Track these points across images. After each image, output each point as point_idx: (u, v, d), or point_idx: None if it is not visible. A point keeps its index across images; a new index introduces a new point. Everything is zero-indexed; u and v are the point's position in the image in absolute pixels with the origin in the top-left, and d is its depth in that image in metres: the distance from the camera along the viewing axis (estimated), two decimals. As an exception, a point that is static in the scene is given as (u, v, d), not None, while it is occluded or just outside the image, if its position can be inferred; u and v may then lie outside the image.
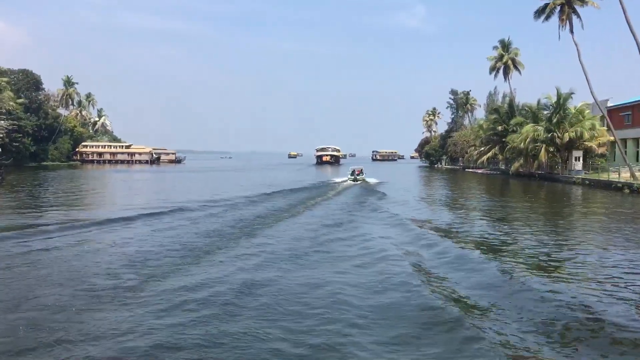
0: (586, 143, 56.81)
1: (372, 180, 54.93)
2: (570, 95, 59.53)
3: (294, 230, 21.91)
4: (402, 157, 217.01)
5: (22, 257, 15.46)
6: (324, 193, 40.45)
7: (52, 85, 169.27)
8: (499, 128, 78.32)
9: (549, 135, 59.01)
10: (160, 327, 9.59)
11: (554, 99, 60.62)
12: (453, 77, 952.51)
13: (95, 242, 18.63)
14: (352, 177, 54.91)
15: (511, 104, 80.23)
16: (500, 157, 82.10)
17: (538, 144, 60.45)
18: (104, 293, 11.74)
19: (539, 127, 60.74)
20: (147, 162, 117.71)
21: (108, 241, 18.59)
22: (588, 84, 52.15)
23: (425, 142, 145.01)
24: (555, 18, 55.31)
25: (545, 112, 64.37)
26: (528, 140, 60.76)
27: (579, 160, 57.30)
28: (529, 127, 61.96)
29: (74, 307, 10.69)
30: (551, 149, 60.48)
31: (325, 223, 23.84)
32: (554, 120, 59.40)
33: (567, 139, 57.25)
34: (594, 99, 53.99)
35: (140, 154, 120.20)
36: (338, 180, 54.66)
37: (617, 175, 47.43)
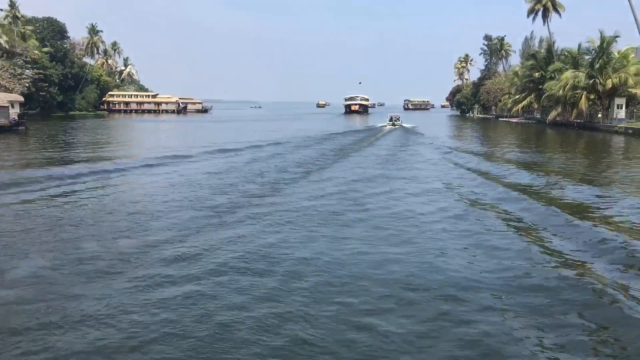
0: (630, 90, 53.62)
1: (408, 125, 65.68)
2: (614, 38, 55.85)
3: (371, 154, 31.44)
4: (432, 107, 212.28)
5: (45, 203, 15.84)
6: (374, 134, 51.25)
7: (76, 34, 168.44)
8: (536, 75, 74.85)
9: (590, 81, 55.83)
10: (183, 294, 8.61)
11: (597, 43, 56.97)
12: (487, 22, 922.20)
13: (126, 186, 19.55)
14: (391, 122, 65.24)
15: (549, 49, 76.38)
16: (536, 105, 78.89)
17: (578, 91, 57.35)
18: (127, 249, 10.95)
19: (579, 74, 57.38)
20: (173, 111, 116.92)
21: (137, 188, 19.24)
22: (637, 23, 48.55)
23: (456, 91, 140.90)
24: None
25: (586, 58, 60.71)
26: (567, 87, 57.64)
27: (622, 108, 54.24)
28: (568, 74, 58.66)
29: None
30: (592, 97, 57.41)
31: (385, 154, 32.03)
32: (596, 66, 56.04)
33: (610, 86, 54.07)
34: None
35: (166, 103, 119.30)
36: (379, 125, 65.14)
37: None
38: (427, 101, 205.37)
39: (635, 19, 43.00)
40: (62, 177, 20.93)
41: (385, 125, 63.69)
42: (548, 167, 26.40)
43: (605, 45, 55.79)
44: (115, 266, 9.84)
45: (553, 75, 67.31)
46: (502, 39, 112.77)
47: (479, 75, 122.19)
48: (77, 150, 33.02)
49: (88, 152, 31.89)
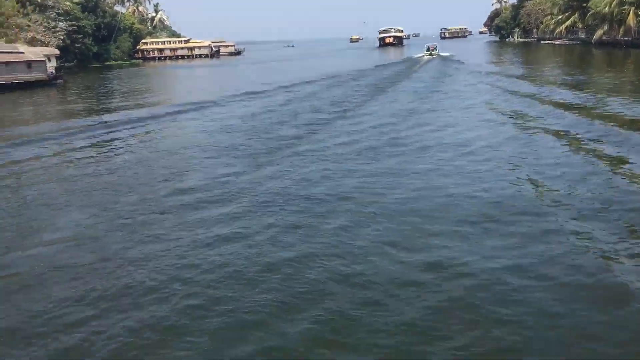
0: (684, 2, 50.36)
1: (445, 54, 64.73)
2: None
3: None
4: (470, 34, 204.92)
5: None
6: (417, 62, 54.71)
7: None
8: (580, -8, 70.90)
9: (640, -5, 52.62)
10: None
11: (647, -47, 53.26)
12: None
13: (165, 133, 19.81)
14: (428, 52, 65.99)
15: (595, -37, 71.81)
16: (580, 25, 75.13)
17: (626, 7, 54.17)
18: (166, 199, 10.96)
19: (627, -13, 54.09)
20: (207, 55, 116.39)
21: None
22: None
23: (495, 15, 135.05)
24: None
25: (636, -31, 56.93)
26: (614, 2, 54.45)
27: (674, 22, 51.13)
28: (615, -12, 55.36)
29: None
30: (640, 12, 54.20)
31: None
32: (646, -23, 52.62)
33: (661, -2, 50.88)
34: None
35: (199, 47, 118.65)
36: (418, 55, 65.26)
37: None
38: (465, 28, 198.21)
39: None
40: (102, 127, 21.64)
41: (423, 56, 63.79)
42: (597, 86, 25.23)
43: (656, -46, 52.14)
44: (154, 219, 9.60)
45: (598, -9, 63.64)
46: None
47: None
48: (115, 100, 33.57)
49: (126, 101, 32.42)
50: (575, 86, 25.49)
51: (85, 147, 17.40)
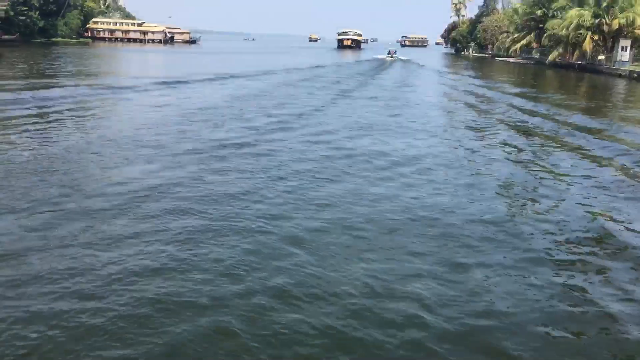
0: (637, 31, 51.59)
1: (404, 58, 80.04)
2: (624, -25, 53.31)
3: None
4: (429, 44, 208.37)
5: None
6: (383, 63, 67.02)
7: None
8: (538, 12, 72.07)
9: (596, 21, 53.63)
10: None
11: (605, -20, 54.41)
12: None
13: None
14: (389, 55, 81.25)
15: (553, -14, 73.21)
16: (535, 45, 76.51)
17: (582, 31, 55.20)
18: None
19: (585, 12, 55.06)
20: (160, 41, 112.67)
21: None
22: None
23: (452, 28, 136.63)
24: None
25: (593, -5, 58.16)
26: (572, 26, 55.36)
27: (626, 50, 52.34)
28: (573, 12, 56.27)
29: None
30: (596, 37, 55.28)
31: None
32: (603, 4, 53.68)
33: (616, 26, 52.04)
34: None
35: (153, 32, 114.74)
36: (381, 56, 79.45)
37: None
38: (425, 38, 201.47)
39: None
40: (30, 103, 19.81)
41: (385, 57, 78.64)
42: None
43: (614, -17, 53.34)
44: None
45: (556, 13, 64.85)
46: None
47: (476, 12, 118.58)
48: (52, 77, 31.23)
49: (64, 78, 30.21)
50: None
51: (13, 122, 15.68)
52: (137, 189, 9.85)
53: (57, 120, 17.13)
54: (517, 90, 34.98)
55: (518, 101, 28.29)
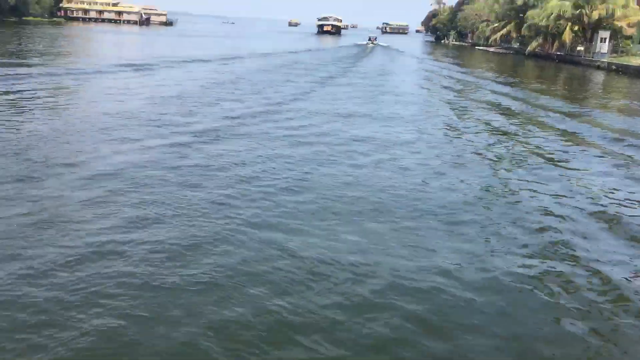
0: (616, 23, 51.63)
1: (384, 44, 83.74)
2: (606, -34, 53.22)
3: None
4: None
5: None
6: (365, 48, 71.20)
7: None
8: (519, 2, 71.84)
9: (577, 12, 53.55)
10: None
11: (587, -30, 54.29)
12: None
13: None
14: (370, 41, 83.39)
15: (535, -25, 73.05)
16: (514, 35, 76.47)
17: (562, 22, 55.12)
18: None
19: (565, 2, 54.91)
20: (135, 22, 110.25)
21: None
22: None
23: (432, 15, 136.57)
24: None
25: (574, -14, 58.07)
26: (552, 17, 55.21)
27: (605, 42, 52.36)
28: (554, 2, 56.17)
29: None
30: (575, 28, 55.24)
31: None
32: (584, -5, 53.64)
33: (596, 17, 52.00)
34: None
35: (128, 13, 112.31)
36: (362, 43, 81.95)
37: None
38: (406, 25, 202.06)
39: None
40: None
41: (367, 44, 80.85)
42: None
43: (595, -27, 53.26)
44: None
45: (536, 3, 64.65)
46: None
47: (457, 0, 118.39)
48: (17, 58, 29.91)
49: (27, 59, 28.97)
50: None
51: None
52: (103, 181, 9.14)
53: (19, 104, 16.18)
54: (496, 77, 35.12)
55: (498, 87, 28.49)
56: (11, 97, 17.30)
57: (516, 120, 19.10)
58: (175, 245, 6.83)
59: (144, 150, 11.55)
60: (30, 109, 15.47)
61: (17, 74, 22.14)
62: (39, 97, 17.55)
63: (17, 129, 12.77)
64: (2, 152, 10.54)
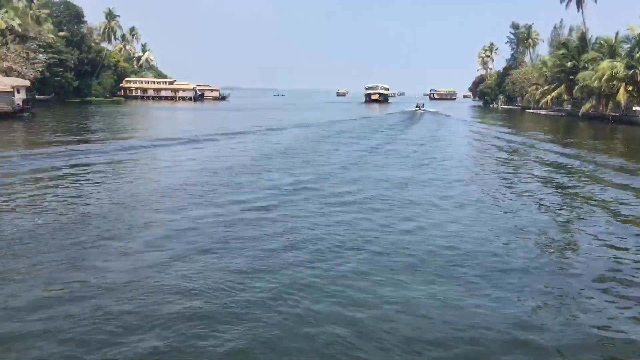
0: (672, 81, 50.12)
1: (432, 110, 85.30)
2: (657, 25, 52.37)
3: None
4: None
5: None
6: (414, 114, 71.92)
7: (94, 19, 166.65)
8: (568, 64, 71.17)
9: (630, 72, 52.36)
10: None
11: (637, 31, 53.48)
12: (515, 9, 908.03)
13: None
14: (417, 107, 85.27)
15: (583, 38, 72.58)
16: (565, 97, 75.31)
17: (615, 82, 53.87)
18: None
19: (617, 63, 53.86)
20: (190, 98, 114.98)
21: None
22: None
23: (479, 80, 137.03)
24: None
25: (625, 47, 57.16)
26: (604, 78, 54.08)
27: (663, 101, 50.83)
28: (605, 64, 55.03)
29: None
30: (630, 88, 53.83)
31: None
32: (637, 56, 52.56)
33: (652, 77, 50.66)
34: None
35: (184, 90, 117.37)
36: (410, 109, 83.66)
37: None
38: (454, 91, 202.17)
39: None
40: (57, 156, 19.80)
41: (415, 110, 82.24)
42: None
43: (646, 34, 52.37)
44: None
45: (586, 65, 63.70)
46: (530, 27, 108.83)
47: (503, 65, 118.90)
48: (80, 134, 31.37)
49: (92, 135, 30.31)
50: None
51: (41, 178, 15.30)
52: (154, 257, 9.10)
53: (79, 176, 16.78)
54: (550, 140, 34.11)
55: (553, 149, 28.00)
56: (74, 170, 17.98)
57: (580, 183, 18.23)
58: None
59: (194, 229, 11.48)
60: (89, 180, 16.04)
61: (76, 150, 23.08)
62: (97, 171, 18.16)
63: (79, 198, 13.16)
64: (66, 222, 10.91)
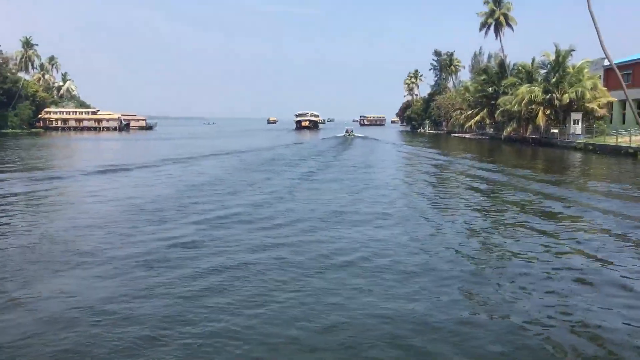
0: (587, 104, 52.80)
1: (360, 135, 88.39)
2: (570, 52, 55.23)
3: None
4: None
5: None
6: (345, 140, 73.80)
7: (9, 48, 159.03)
8: (489, 90, 74.02)
9: (547, 96, 54.83)
10: None
11: (552, 57, 56.27)
12: (438, 38, 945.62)
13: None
14: (347, 133, 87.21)
15: (502, 64, 75.76)
16: (487, 121, 78.12)
17: (534, 106, 56.21)
18: None
19: (535, 88, 56.29)
20: (115, 128, 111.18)
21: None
22: (599, 36, 47.45)
23: (406, 106, 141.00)
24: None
25: (542, 72, 60.04)
26: (524, 102, 56.36)
27: (578, 123, 53.42)
28: (524, 89, 57.44)
29: None
30: (548, 112, 56.28)
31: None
32: (553, 80, 55.17)
33: (567, 101, 53.25)
34: (605, 55, 49.10)
35: (107, 120, 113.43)
36: (340, 135, 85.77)
37: (628, 139, 42.59)
38: (383, 117, 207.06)
39: (598, 33, 42.85)
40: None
41: (344, 135, 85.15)
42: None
43: (561, 59, 55.11)
44: None
45: (506, 90, 66.34)
46: (452, 54, 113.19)
47: (428, 90, 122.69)
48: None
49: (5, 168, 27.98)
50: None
51: None
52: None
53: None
54: (475, 161, 34.77)
55: (479, 172, 28.81)
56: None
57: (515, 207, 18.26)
58: None
59: (114, 271, 10.33)
60: (9, 212, 14.34)
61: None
62: (18, 202, 16.57)
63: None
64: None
